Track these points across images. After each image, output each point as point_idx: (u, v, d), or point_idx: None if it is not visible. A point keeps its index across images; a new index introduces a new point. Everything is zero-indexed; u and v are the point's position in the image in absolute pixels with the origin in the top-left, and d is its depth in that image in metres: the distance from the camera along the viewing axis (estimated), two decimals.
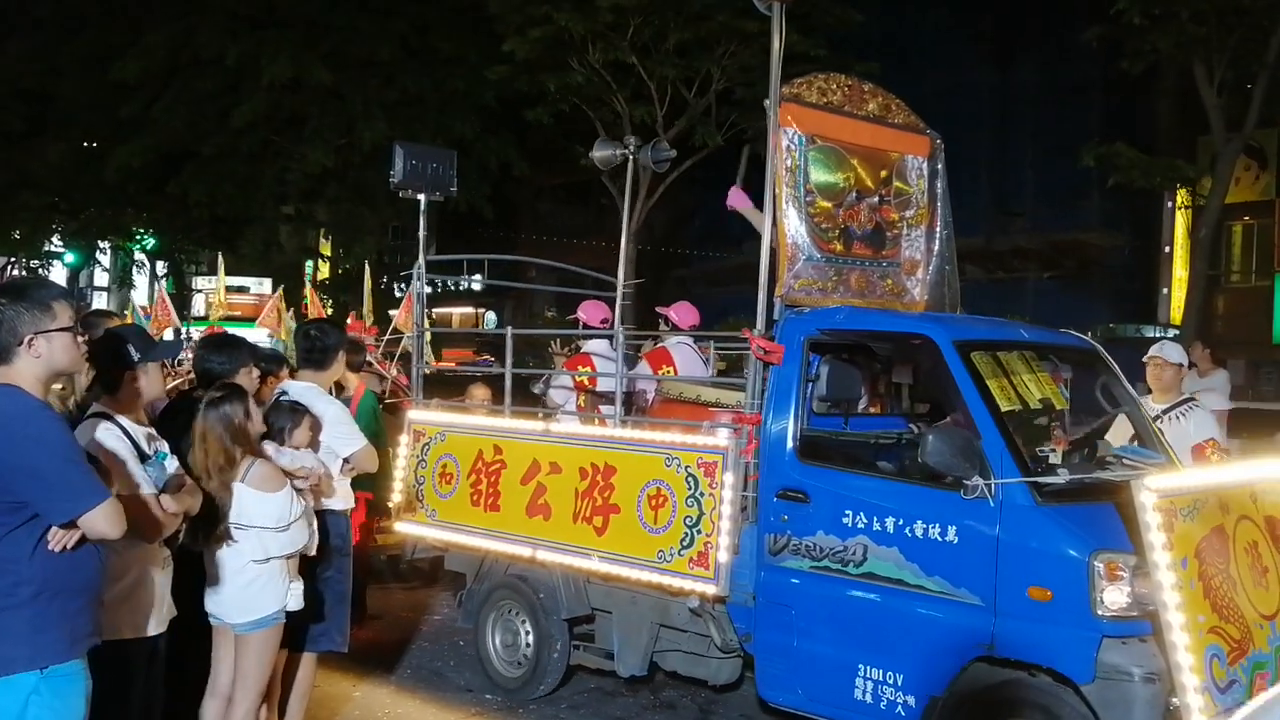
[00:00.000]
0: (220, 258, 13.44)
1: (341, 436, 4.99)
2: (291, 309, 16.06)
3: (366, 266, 12.89)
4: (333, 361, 5.19)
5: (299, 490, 4.42)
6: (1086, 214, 21.85)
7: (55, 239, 28.62)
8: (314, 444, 4.77)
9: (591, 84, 18.21)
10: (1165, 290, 21.89)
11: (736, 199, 6.02)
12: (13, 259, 28.73)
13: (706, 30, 17.33)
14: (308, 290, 13.32)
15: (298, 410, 4.69)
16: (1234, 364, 18.27)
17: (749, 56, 17.51)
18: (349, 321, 11.99)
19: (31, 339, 2.99)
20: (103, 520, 2.95)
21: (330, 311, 12.32)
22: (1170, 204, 20.74)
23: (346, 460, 5.01)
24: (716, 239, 26.97)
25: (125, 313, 15.82)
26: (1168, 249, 21.76)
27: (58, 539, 2.94)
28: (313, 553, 4.52)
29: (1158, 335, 18.67)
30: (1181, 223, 21.40)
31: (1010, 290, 20.08)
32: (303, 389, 5.00)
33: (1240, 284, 22.25)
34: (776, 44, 5.48)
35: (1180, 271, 20.96)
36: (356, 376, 6.78)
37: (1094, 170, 16.79)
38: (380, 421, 6.97)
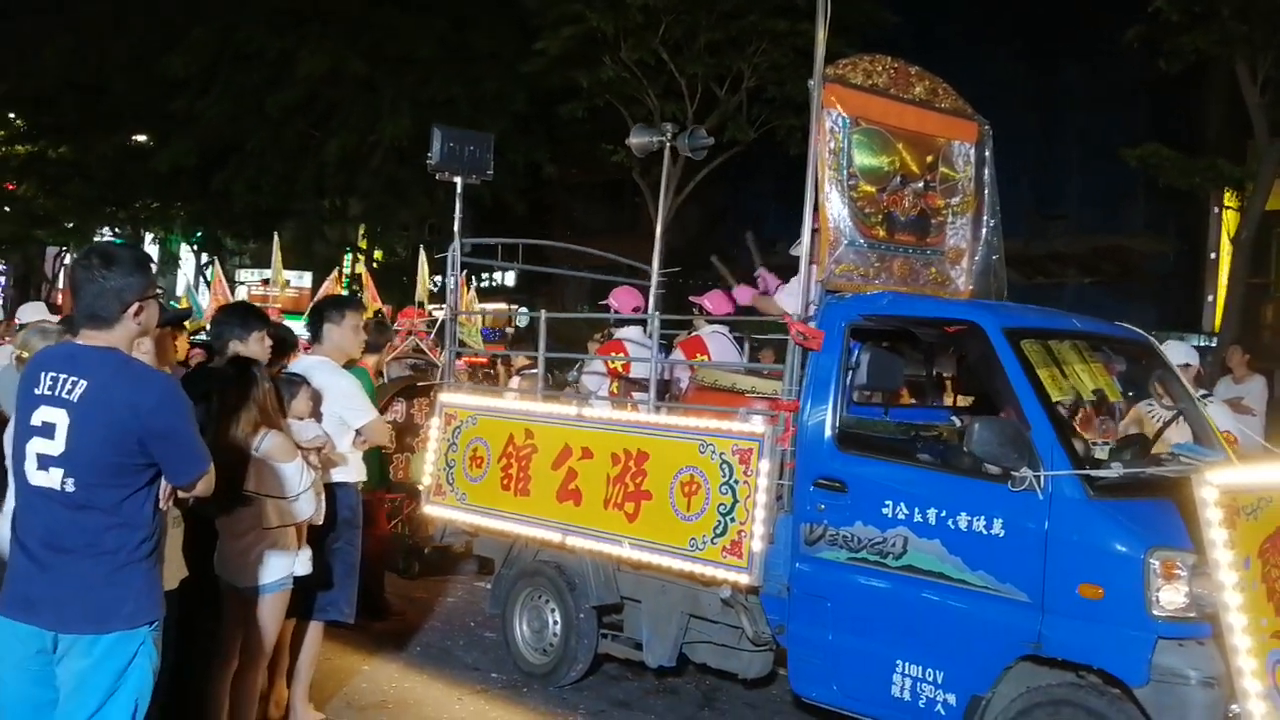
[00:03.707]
0: (276, 247, 13.46)
1: (353, 409, 5.03)
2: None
3: (422, 254, 12.89)
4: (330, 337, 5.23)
5: (309, 461, 4.47)
6: (1130, 218, 21.47)
7: (105, 229, 29.09)
8: (315, 414, 4.81)
9: (623, 80, 18.20)
10: (1210, 297, 21.42)
11: (743, 295, 6.04)
12: (64, 248, 29.22)
13: (737, 29, 17.31)
14: (366, 279, 13.34)
15: (295, 381, 4.74)
16: None
17: (779, 55, 17.47)
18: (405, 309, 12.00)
19: (140, 306, 3.05)
20: (205, 483, 3.13)
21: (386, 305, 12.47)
22: (1216, 209, 20.30)
23: (358, 433, 5.01)
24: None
25: (180, 296, 16.01)
26: (1213, 255, 21.30)
27: (167, 495, 3.09)
28: (319, 522, 4.58)
29: (1201, 344, 18.26)
30: (1227, 228, 20.95)
31: (1049, 295, 19.69)
32: (315, 363, 5.08)
33: None
34: (821, 22, 5.30)
35: (1226, 278, 20.51)
36: (375, 357, 6.73)
37: (1138, 174, 16.45)
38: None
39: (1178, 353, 6.45)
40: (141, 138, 25.96)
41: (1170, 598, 4.02)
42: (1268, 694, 3.82)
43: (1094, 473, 4.33)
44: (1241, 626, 3.83)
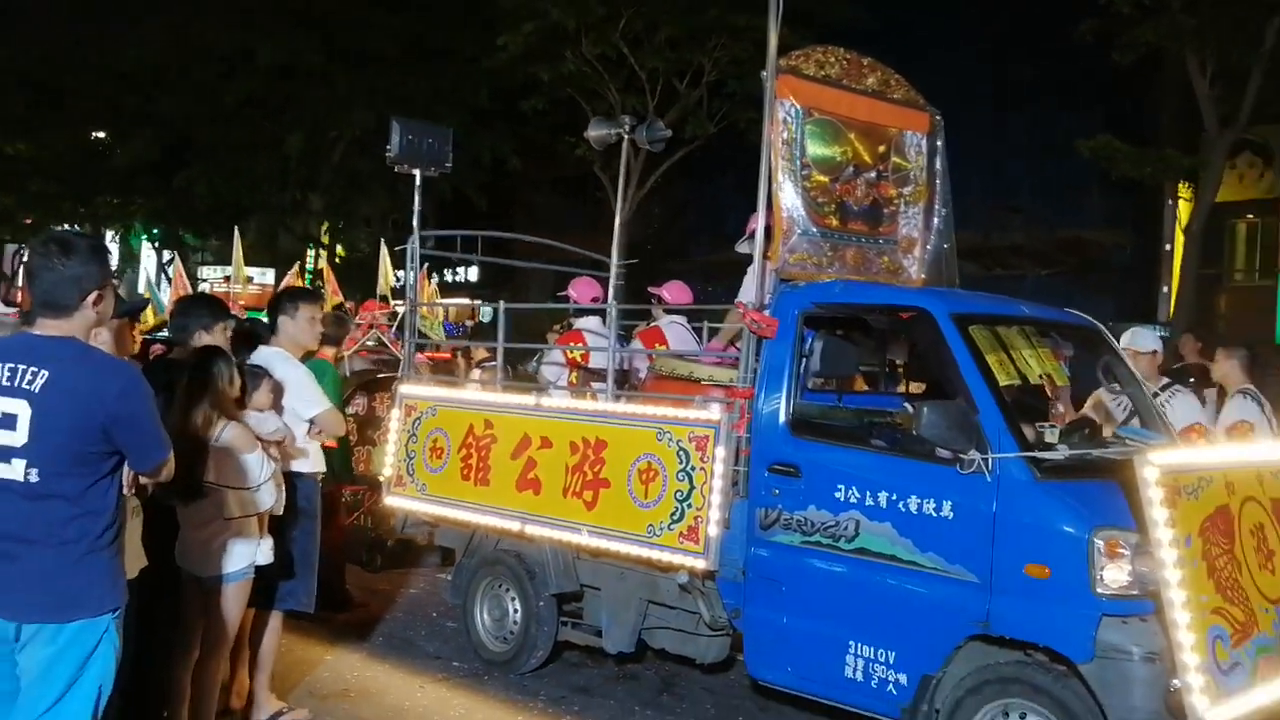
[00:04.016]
0: (237, 243, 13.39)
1: (305, 400, 5.05)
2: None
3: (383, 246, 12.86)
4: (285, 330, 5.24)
5: (269, 453, 4.51)
6: (1088, 211, 21.78)
7: (65, 226, 28.75)
8: (276, 406, 4.84)
9: (584, 74, 18.25)
10: (1165, 288, 21.78)
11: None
12: (22, 246, 28.75)
13: (698, 23, 17.38)
14: (327, 273, 13.33)
15: (257, 374, 4.75)
16: None
17: (739, 50, 17.57)
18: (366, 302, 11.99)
19: (99, 295, 3.05)
20: (168, 468, 3.17)
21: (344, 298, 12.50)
22: (1171, 201, 20.66)
23: (311, 423, 5.03)
24: (711, 233, 26.90)
25: (141, 292, 15.95)
26: (1168, 246, 21.66)
27: (130, 482, 3.15)
28: (280, 512, 4.62)
29: (1159, 335, 18.55)
30: (1181, 220, 21.34)
31: (1008, 287, 19.92)
32: (269, 354, 5.09)
33: (1244, 283, 22.16)
34: (773, 13, 5.37)
35: (1179, 269, 20.89)
36: (333, 350, 6.71)
37: (1095, 167, 16.72)
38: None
39: (1145, 340, 6.46)
40: (101, 134, 25.70)
41: (1114, 576, 4.12)
42: (1206, 668, 3.92)
43: (1040, 455, 4.42)
44: (1181, 603, 3.93)
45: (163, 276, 29.26)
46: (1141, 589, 4.09)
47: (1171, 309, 20.81)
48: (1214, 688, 3.91)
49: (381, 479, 6.69)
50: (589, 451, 5.51)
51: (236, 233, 13.87)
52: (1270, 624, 4.26)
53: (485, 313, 21.38)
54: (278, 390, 4.83)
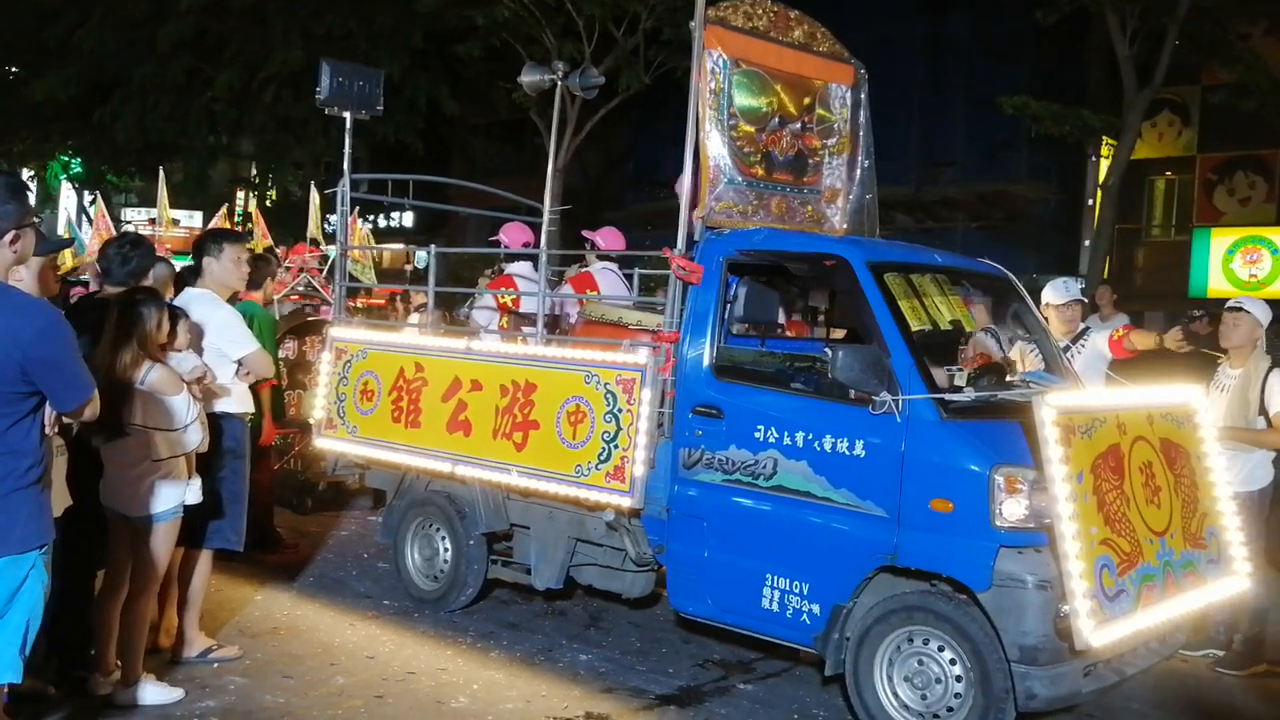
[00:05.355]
0: (162, 184, 13.09)
1: (232, 340, 5.08)
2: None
3: (313, 189, 12.67)
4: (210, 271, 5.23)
5: (193, 393, 4.55)
6: (1014, 166, 22.13)
7: None
8: (195, 346, 4.88)
9: (520, 19, 18.02)
10: (1087, 242, 22.31)
11: None
12: None
13: None
14: (256, 217, 13.10)
15: (174, 314, 4.75)
16: (1152, 316, 18.81)
17: None
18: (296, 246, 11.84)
19: (16, 233, 3.06)
20: (91, 408, 3.20)
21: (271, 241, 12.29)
22: (1094, 158, 21.09)
23: (240, 364, 5.07)
24: (649, 181, 26.86)
25: (61, 233, 15.49)
26: (1090, 201, 22.15)
27: (53, 422, 3.17)
28: (204, 449, 4.67)
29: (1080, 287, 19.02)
30: (1103, 176, 21.82)
31: (939, 239, 20.36)
32: (195, 295, 5.12)
33: (1160, 238, 22.78)
34: None
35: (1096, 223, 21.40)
36: (260, 292, 6.72)
37: (1022, 122, 17.02)
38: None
39: (1065, 291, 6.59)
40: (14, 70, 24.75)
41: (1012, 510, 4.36)
42: (1093, 594, 4.20)
43: (948, 396, 4.65)
44: (1073, 534, 4.20)
45: (83, 217, 28.48)
46: (1037, 522, 4.34)
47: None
48: (1100, 613, 4.20)
49: (312, 422, 6.75)
50: (519, 394, 5.63)
51: (162, 174, 13.57)
52: (1154, 554, 4.57)
53: (420, 258, 21.21)
54: (195, 330, 4.86)
